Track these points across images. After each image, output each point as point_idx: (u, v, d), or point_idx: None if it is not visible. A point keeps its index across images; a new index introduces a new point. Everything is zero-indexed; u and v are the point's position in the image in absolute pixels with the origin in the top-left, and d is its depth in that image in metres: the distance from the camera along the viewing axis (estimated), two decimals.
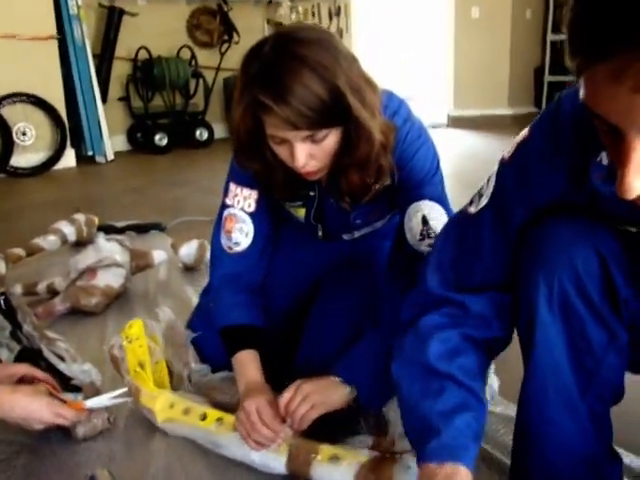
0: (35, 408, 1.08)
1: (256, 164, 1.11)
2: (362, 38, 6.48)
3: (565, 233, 0.77)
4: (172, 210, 3.06)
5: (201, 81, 5.25)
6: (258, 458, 1.07)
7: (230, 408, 1.16)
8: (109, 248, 1.88)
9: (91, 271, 1.80)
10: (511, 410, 1.21)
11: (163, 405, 1.18)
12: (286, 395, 1.06)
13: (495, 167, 0.86)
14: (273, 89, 0.95)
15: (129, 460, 1.13)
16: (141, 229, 2.53)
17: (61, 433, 1.19)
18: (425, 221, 1.13)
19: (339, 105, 0.97)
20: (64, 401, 1.14)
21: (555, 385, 0.80)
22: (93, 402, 1.17)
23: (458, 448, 0.78)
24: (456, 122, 6.40)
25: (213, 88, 5.35)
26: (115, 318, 1.76)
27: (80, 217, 2.30)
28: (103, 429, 1.20)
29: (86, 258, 1.83)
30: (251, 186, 1.22)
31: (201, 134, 5.24)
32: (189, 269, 2.11)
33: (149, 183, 3.92)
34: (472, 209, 0.86)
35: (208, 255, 2.06)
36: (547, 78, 6.72)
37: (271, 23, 5.88)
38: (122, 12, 4.89)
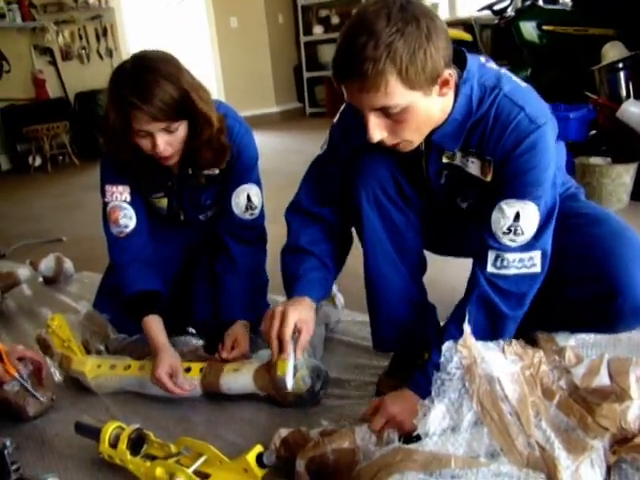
0: None
1: (125, 155, 1.51)
2: None
3: (370, 160, 1.27)
4: None
5: None
6: None
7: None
8: None
9: None
10: (356, 316, 1.78)
11: (92, 366, 1.53)
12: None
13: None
14: (139, 92, 1.36)
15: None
16: None
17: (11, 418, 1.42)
18: (249, 198, 1.64)
19: (186, 101, 1.41)
20: None
21: (382, 253, 1.32)
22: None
23: (308, 289, 1.28)
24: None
25: None
26: (5, 334, 1.96)
27: None
28: (49, 406, 1.46)
29: None
30: (123, 183, 1.60)
31: None
32: (49, 282, 2.36)
33: None
34: (320, 152, 1.37)
35: (66, 266, 2.36)
36: (306, 75, 7.57)
37: (39, 49, 5.87)
38: None
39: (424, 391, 1.15)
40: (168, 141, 1.44)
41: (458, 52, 1.14)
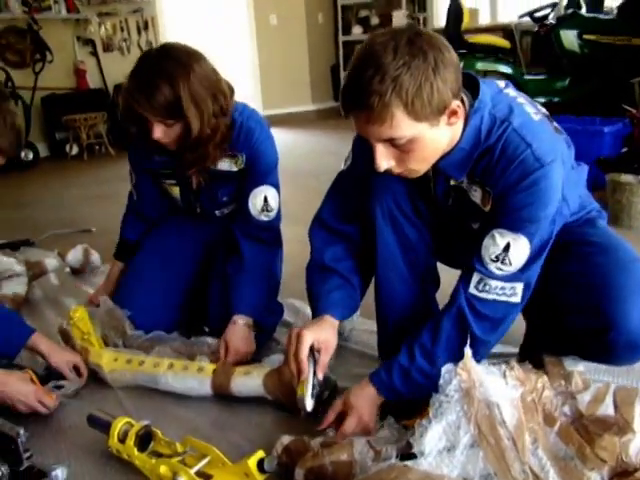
0: (25, 391, 1.38)
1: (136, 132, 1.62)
2: None
3: (386, 177, 1.25)
4: (26, 229, 3.15)
5: (20, 102, 5.26)
6: (192, 385, 1.47)
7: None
8: (6, 261, 2.14)
9: None
10: (370, 326, 1.74)
11: (109, 359, 1.58)
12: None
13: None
14: (141, 88, 1.47)
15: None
16: (13, 246, 2.73)
17: None
18: (266, 200, 1.67)
19: (178, 106, 1.48)
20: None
21: (393, 268, 1.34)
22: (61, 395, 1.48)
23: (330, 308, 1.31)
24: (267, 121, 7.00)
25: (32, 108, 5.40)
26: (30, 321, 1.99)
27: None
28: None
29: None
30: (133, 169, 1.84)
31: (26, 155, 5.26)
32: (76, 273, 2.43)
33: None
34: (343, 167, 1.39)
35: (93, 258, 2.42)
36: (343, 74, 7.57)
37: (81, 40, 6.00)
38: None
39: (384, 388, 1.22)
40: (165, 131, 1.53)
41: (472, 80, 1.15)
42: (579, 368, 1.25)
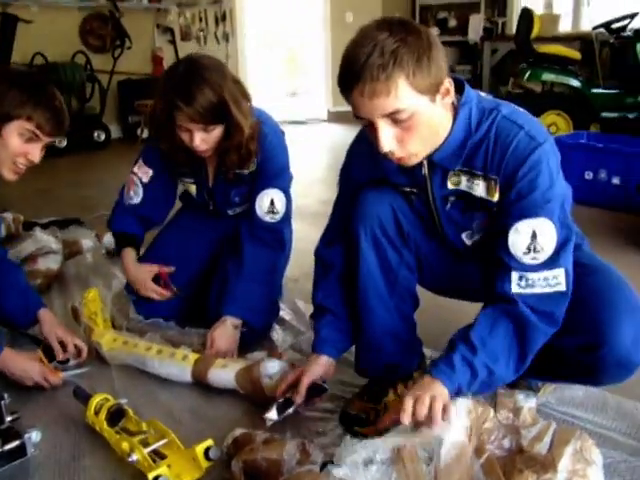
0: (30, 369, 1.53)
1: (166, 145, 1.71)
2: (247, 41, 6.96)
3: (372, 197, 1.33)
4: (83, 208, 3.37)
5: (96, 85, 5.57)
6: (174, 372, 1.59)
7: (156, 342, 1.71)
8: (45, 238, 2.33)
9: (32, 259, 2.25)
10: None
11: (108, 339, 1.71)
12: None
13: None
14: (184, 96, 1.53)
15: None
16: (62, 224, 2.92)
17: None
18: (272, 202, 1.75)
19: (223, 109, 1.57)
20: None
21: (372, 288, 1.37)
22: (67, 374, 1.62)
23: (320, 345, 1.41)
24: (335, 117, 7.06)
25: (108, 91, 5.70)
26: (57, 296, 2.20)
27: (8, 215, 2.68)
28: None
29: (26, 248, 2.28)
30: (150, 166, 1.83)
31: (98, 135, 5.56)
32: (110, 255, 2.57)
33: (55, 185, 4.14)
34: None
35: None
36: None
37: (161, 28, 6.27)
38: (16, 19, 5.10)
39: (448, 379, 1.13)
40: (204, 138, 1.61)
41: (457, 79, 1.19)
42: (530, 404, 1.25)
